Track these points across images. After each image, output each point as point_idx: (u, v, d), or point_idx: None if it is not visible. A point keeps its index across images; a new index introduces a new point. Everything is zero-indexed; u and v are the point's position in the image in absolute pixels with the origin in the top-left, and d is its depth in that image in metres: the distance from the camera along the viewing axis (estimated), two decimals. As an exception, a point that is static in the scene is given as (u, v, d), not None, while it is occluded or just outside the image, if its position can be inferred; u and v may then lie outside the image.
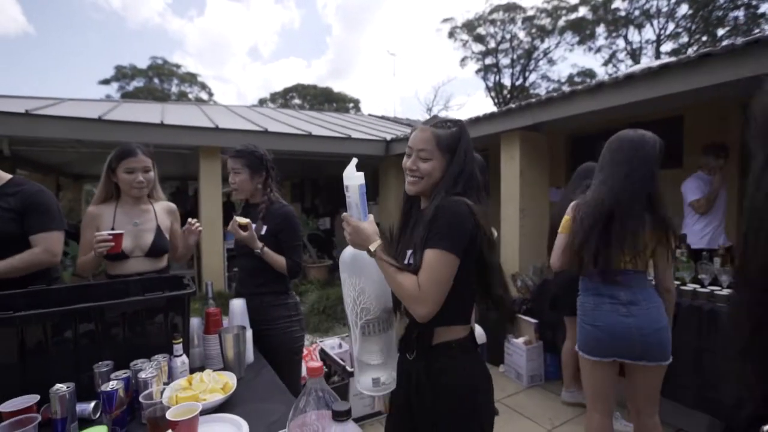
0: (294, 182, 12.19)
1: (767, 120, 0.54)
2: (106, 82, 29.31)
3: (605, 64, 22.17)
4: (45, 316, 1.13)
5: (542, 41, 23.65)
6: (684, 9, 18.82)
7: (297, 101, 32.55)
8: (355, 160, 1.09)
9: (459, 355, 1.12)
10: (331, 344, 2.95)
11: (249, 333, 1.48)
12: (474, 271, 1.11)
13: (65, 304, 1.18)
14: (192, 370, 1.30)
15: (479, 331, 3.00)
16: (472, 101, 55.59)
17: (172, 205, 2.01)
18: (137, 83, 29.56)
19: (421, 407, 1.13)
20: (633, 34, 20.94)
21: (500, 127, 4.30)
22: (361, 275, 1.09)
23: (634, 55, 20.70)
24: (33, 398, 1.00)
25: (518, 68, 24.82)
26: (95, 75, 75.42)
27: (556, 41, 23.27)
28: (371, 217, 1.12)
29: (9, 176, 1.71)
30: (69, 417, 1.00)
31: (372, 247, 1.05)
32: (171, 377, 1.23)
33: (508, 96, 24.79)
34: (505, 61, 24.84)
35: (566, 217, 1.81)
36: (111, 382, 1.05)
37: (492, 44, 24.63)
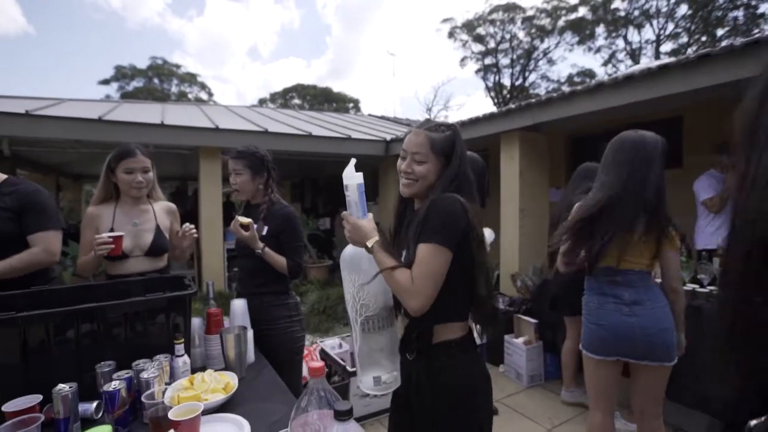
0: (294, 182, 12.20)
1: (747, 128, 0.56)
2: (105, 82, 29.36)
3: (605, 64, 22.21)
4: (47, 316, 1.13)
5: (542, 41, 23.69)
6: (683, 9, 18.86)
7: (297, 101, 32.56)
8: (353, 161, 1.11)
9: (458, 355, 1.13)
10: (331, 344, 2.96)
11: (250, 333, 1.48)
12: (480, 267, 1.12)
13: (67, 305, 1.18)
14: (193, 370, 1.30)
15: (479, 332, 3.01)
16: (471, 101, 55.65)
17: (172, 205, 2.02)
18: (137, 83, 29.62)
19: (420, 407, 1.14)
20: (632, 35, 20.99)
21: (500, 128, 4.31)
22: (360, 272, 1.10)
23: (634, 55, 20.73)
24: (36, 398, 1.01)
25: (518, 68, 24.86)
26: (95, 75, 75.49)
27: (555, 41, 23.31)
28: (370, 215, 1.14)
29: (4, 176, 1.71)
30: (71, 417, 1.00)
31: (369, 243, 1.07)
32: (173, 377, 1.24)
33: (508, 96, 24.80)
34: (504, 61, 24.89)
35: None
36: (113, 382, 1.06)
37: (492, 44, 24.67)
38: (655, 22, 19.84)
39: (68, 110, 5.19)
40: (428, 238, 1.04)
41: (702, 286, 2.34)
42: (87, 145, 4.79)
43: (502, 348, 3.20)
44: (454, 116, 28.21)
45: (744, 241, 0.55)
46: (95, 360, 1.15)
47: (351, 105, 33.11)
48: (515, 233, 4.19)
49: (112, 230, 1.77)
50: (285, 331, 1.80)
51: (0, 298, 1.31)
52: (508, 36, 24.23)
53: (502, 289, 4.25)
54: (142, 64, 32.17)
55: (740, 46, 2.44)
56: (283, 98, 33.28)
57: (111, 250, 1.65)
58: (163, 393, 1.09)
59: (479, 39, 24.75)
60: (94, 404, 1.08)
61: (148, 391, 1.07)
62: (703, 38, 18.45)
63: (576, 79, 22.96)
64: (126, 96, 26.68)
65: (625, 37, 21.15)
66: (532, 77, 24.86)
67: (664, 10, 19.30)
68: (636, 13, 20.13)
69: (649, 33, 24.21)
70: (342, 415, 0.65)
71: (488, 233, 2.50)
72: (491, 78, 25.63)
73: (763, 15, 16.42)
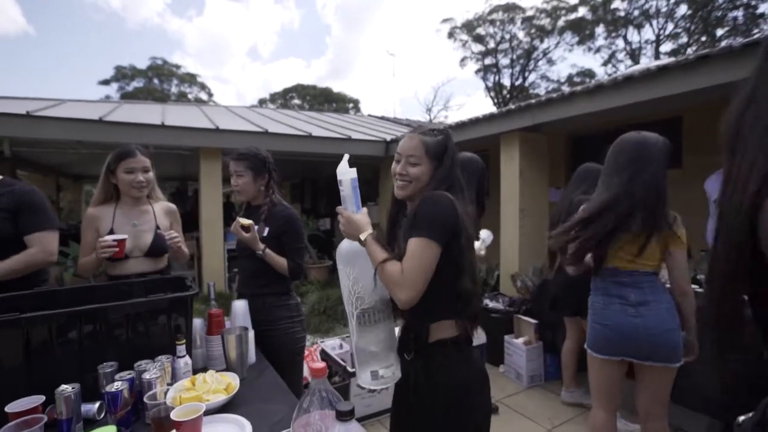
0: (294, 183, 12.21)
1: (731, 132, 0.58)
2: (105, 82, 29.37)
3: (605, 64, 22.22)
4: (50, 317, 1.14)
5: (542, 41, 23.70)
6: (683, 9, 18.87)
7: (296, 101, 32.57)
8: (347, 156, 1.15)
9: (454, 354, 1.14)
10: (332, 345, 2.97)
11: (251, 334, 1.49)
12: (464, 263, 1.13)
13: (69, 306, 1.19)
14: (195, 371, 1.31)
15: (479, 332, 3.01)
16: (471, 101, 55.73)
17: (172, 206, 2.02)
18: (137, 84, 29.62)
19: (419, 407, 1.15)
20: (632, 35, 21.00)
21: (500, 128, 4.32)
22: (355, 265, 1.13)
23: (634, 55, 20.74)
24: (39, 399, 1.01)
25: (518, 68, 24.87)
26: (95, 75, 75.46)
27: (555, 41, 23.33)
28: (364, 209, 1.17)
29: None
30: (74, 417, 1.01)
31: (362, 237, 1.10)
32: (174, 378, 1.24)
33: (508, 96, 24.82)
34: (504, 61, 24.91)
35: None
36: (115, 383, 1.06)
37: (491, 44, 24.68)
38: (654, 22, 19.87)
39: (69, 111, 5.20)
40: (418, 233, 1.06)
41: (701, 286, 2.35)
42: (87, 145, 4.80)
43: (502, 348, 3.21)
44: (453, 116, 28.25)
45: (726, 242, 0.57)
46: (97, 361, 1.15)
47: (351, 105, 33.13)
48: (515, 233, 4.20)
49: (112, 231, 1.78)
50: (286, 332, 1.80)
51: (3, 299, 1.31)
52: (507, 36, 24.27)
53: (502, 289, 4.26)
54: (142, 64, 32.18)
55: (739, 46, 2.44)
56: (283, 98, 33.30)
57: (114, 253, 1.67)
58: (165, 394, 1.09)
59: (479, 39, 24.77)
60: (97, 405, 1.09)
61: (150, 392, 1.07)
62: (703, 38, 18.47)
63: (576, 79, 22.99)
64: (126, 96, 26.68)
65: (624, 37, 21.18)
66: (531, 77, 24.92)
67: (663, 10, 19.33)
68: (636, 13, 20.16)
69: (648, 33, 24.24)
70: (344, 416, 0.66)
71: (486, 234, 2.52)
72: (491, 78, 25.68)
73: (762, 15, 16.44)
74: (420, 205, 1.10)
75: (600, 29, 21.69)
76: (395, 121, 11.07)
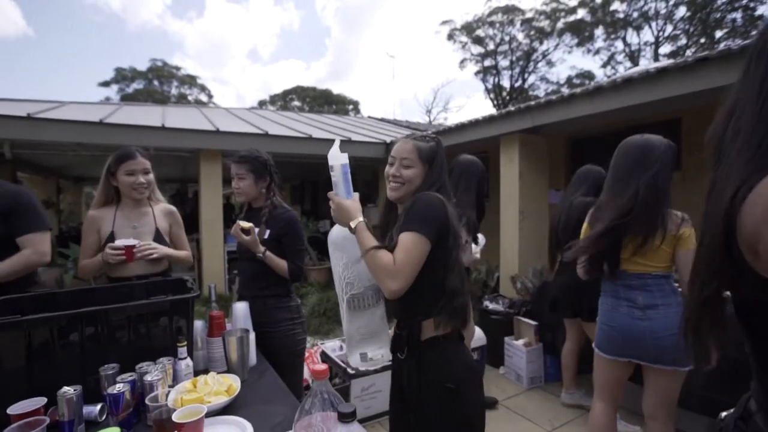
0: (294, 185, 12.22)
1: (715, 144, 0.62)
2: (105, 84, 29.40)
3: (604, 65, 22.26)
4: (52, 319, 1.14)
5: (541, 43, 23.74)
6: (682, 11, 18.91)
7: (296, 103, 32.60)
8: (338, 140, 1.17)
9: (446, 351, 1.18)
10: (332, 346, 2.97)
11: (252, 336, 1.49)
12: (452, 261, 1.16)
13: (70, 308, 1.19)
14: (196, 373, 1.31)
15: (479, 333, 3.02)
16: (471, 103, 55.92)
17: (171, 208, 2.02)
18: (137, 85, 29.65)
19: (413, 404, 1.19)
20: (631, 36, 21.04)
21: (499, 130, 4.33)
22: (346, 251, 1.17)
23: (633, 57, 20.78)
24: (40, 401, 1.01)
25: (517, 70, 24.91)
26: (95, 77, 75.52)
27: (554, 43, 23.37)
28: (356, 195, 1.19)
29: None
30: (76, 419, 1.01)
31: (353, 224, 1.13)
32: (176, 380, 1.25)
33: (507, 98, 24.85)
34: (504, 62, 24.95)
35: (585, 225, 1.84)
36: (117, 385, 1.07)
37: (491, 46, 24.72)
38: (653, 24, 19.92)
39: (69, 113, 5.22)
40: (410, 227, 1.10)
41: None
42: (88, 147, 4.80)
43: (503, 350, 3.21)
44: (453, 118, 28.26)
45: (708, 245, 0.60)
46: (99, 363, 1.15)
47: (351, 107, 33.17)
48: (515, 235, 4.21)
49: (112, 233, 1.78)
50: (286, 334, 1.81)
51: (4, 301, 1.32)
52: (507, 38, 24.31)
53: (502, 291, 4.26)
54: (142, 66, 32.33)
55: (737, 49, 2.45)
56: (282, 100, 33.33)
57: (122, 259, 1.69)
58: (167, 395, 1.10)
59: (478, 41, 24.82)
60: (99, 407, 1.09)
61: (152, 394, 1.08)
62: (702, 40, 18.50)
63: (575, 81, 23.01)
64: (126, 98, 26.71)
65: (624, 39, 21.22)
66: (531, 79, 24.95)
67: (662, 12, 19.37)
68: (635, 15, 20.21)
69: (648, 35, 24.39)
70: (345, 417, 0.66)
71: (480, 237, 2.54)
72: (491, 80, 25.71)
73: (761, 17, 16.47)
74: (413, 203, 1.15)
75: (599, 31, 21.74)
76: (395, 122, 11.09)
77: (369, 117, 13.44)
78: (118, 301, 1.32)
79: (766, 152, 0.53)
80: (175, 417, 0.94)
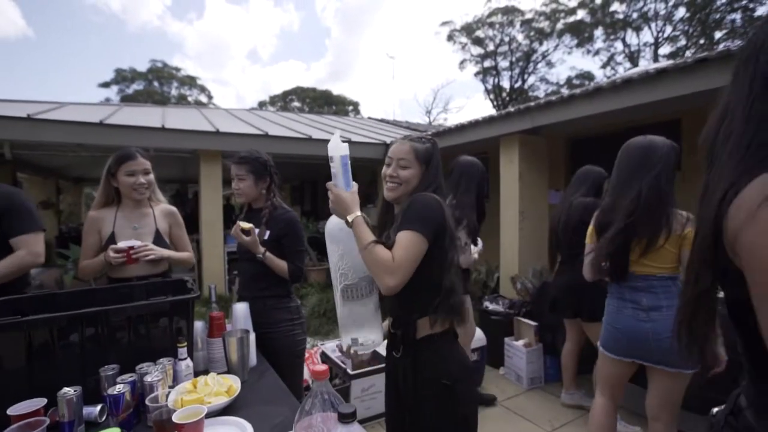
0: (294, 185, 12.22)
1: (706, 149, 0.65)
2: (105, 85, 29.41)
3: (603, 66, 22.28)
4: (52, 320, 1.14)
5: (541, 44, 23.76)
6: (681, 12, 18.93)
7: (296, 104, 32.61)
8: (338, 132, 1.18)
9: (441, 349, 1.20)
10: (332, 347, 2.96)
11: (252, 336, 1.49)
12: (448, 261, 1.19)
13: (70, 309, 1.19)
14: (196, 374, 1.31)
15: (479, 334, 3.02)
16: (471, 103, 55.95)
17: (172, 208, 2.02)
18: (137, 86, 29.65)
19: (409, 402, 1.21)
20: (631, 37, 21.05)
21: (499, 131, 4.33)
22: (340, 243, 1.19)
23: (633, 57, 20.81)
24: (41, 401, 1.01)
25: (517, 71, 24.92)
26: (95, 78, 75.41)
27: (554, 44, 23.39)
28: (355, 187, 1.20)
29: None
30: (76, 420, 1.01)
31: (350, 218, 1.14)
32: (176, 380, 1.25)
33: (507, 98, 24.87)
34: (504, 63, 24.96)
35: (591, 228, 1.85)
36: (117, 386, 1.07)
37: (491, 47, 24.74)
38: (653, 25, 19.94)
39: (69, 114, 5.22)
40: (408, 227, 1.12)
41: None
42: (88, 148, 4.81)
43: (503, 350, 3.21)
44: (453, 119, 28.29)
45: (700, 246, 0.64)
46: (99, 363, 1.15)
47: (351, 108, 33.19)
48: (515, 236, 4.21)
49: (113, 234, 1.79)
50: (286, 334, 1.81)
51: (4, 302, 1.32)
52: (507, 39, 24.33)
53: (502, 291, 4.26)
54: (142, 67, 32.31)
55: (737, 49, 2.45)
56: (282, 101, 33.34)
57: (123, 261, 1.69)
58: (167, 396, 1.10)
59: (478, 42, 24.84)
60: (99, 407, 1.09)
61: (152, 395, 1.08)
62: (701, 41, 18.52)
63: (575, 82, 23.03)
64: (126, 99, 26.72)
65: (623, 40, 21.24)
66: (531, 80, 24.97)
67: (662, 13, 19.39)
68: (634, 15, 20.23)
69: (647, 36, 24.40)
70: (346, 418, 0.66)
71: (478, 241, 2.54)
72: (490, 80, 25.72)
73: (760, 18, 16.47)
74: (411, 203, 1.17)
75: (599, 32, 21.76)
76: (395, 123, 11.10)
77: (369, 118, 13.45)
78: (118, 302, 1.32)
79: (755, 153, 0.55)
80: (175, 418, 0.94)
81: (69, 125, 4.43)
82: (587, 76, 22.99)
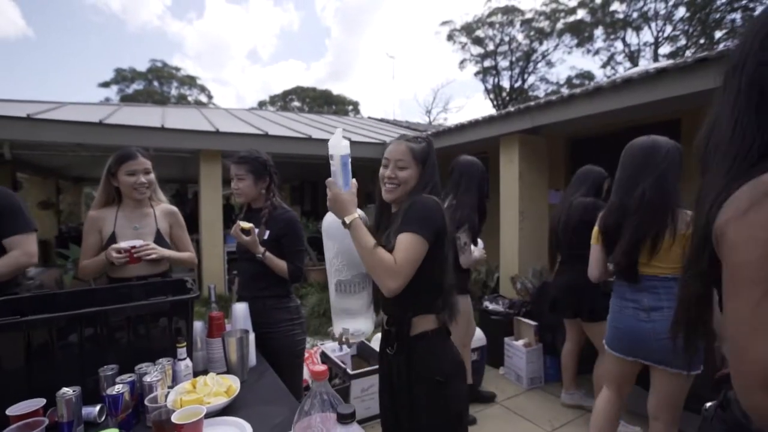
0: (293, 185, 12.22)
1: (699, 157, 0.68)
2: (105, 84, 29.39)
3: (603, 66, 22.26)
4: (51, 320, 1.14)
5: (541, 44, 23.75)
6: (681, 12, 18.92)
7: (296, 104, 32.60)
8: (340, 129, 1.17)
9: (434, 345, 1.22)
10: (332, 347, 2.96)
11: (252, 337, 1.49)
12: (447, 263, 1.23)
13: (70, 309, 1.19)
14: (195, 374, 1.31)
15: (479, 334, 3.01)
16: (471, 103, 55.90)
17: (172, 208, 2.01)
18: (137, 86, 29.63)
19: (403, 399, 1.23)
20: (631, 37, 21.04)
21: (499, 131, 4.33)
22: (336, 240, 1.20)
23: (633, 57, 20.80)
24: (40, 402, 1.01)
25: (517, 70, 24.91)
26: (95, 78, 75.33)
27: (554, 44, 23.37)
28: (354, 185, 1.20)
29: None
30: (75, 420, 1.01)
31: (348, 220, 1.14)
32: (175, 380, 1.25)
33: (507, 98, 24.86)
34: (503, 63, 24.95)
35: (596, 228, 1.85)
36: (116, 386, 1.07)
37: (491, 47, 24.73)
38: (653, 24, 19.92)
39: (69, 114, 5.21)
40: (409, 229, 1.14)
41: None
42: (88, 148, 4.81)
43: (502, 350, 3.20)
44: (453, 118, 28.28)
45: (694, 252, 0.66)
46: (98, 364, 1.15)
47: (350, 107, 33.18)
48: (515, 236, 4.21)
49: (114, 234, 1.78)
50: (286, 334, 1.81)
51: (3, 302, 1.31)
52: (507, 38, 24.32)
53: (502, 291, 4.26)
54: (142, 66, 32.31)
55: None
56: (282, 101, 33.33)
57: (128, 261, 1.70)
58: (166, 396, 1.10)
59: (478, 41, 24.83)
60: (98, 408, 1.09)
61: (151, 395, 1.08)
62: (701, 41, 18.52)
63: (575, 81, 23.02)
64: (126, 99, 26.70)
65: (623, 40, 21.22)
66: (531, 79, 24.96)
67: (662, 12, 19.38)
68: (634, 15, 20.21)
69: (647, 35, 24.39)
70: (345, 419, 0.66)
71: (478, 242, 2.54)
72: (490, 80, 25.71)
73: (760, 17, 16.45)
74: (411, 205, 1.18)
75: (599, 31, 21.74)
76: (395, 123, 11.09)
77: (369, 117, 13.44)
78: (118, 301, 1.32)
79: (740, 164, 0.59)
80: (175, 418, 0.93)
81: (68, 125, 4.43)
82: (587, 75, 22.99)
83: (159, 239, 1.87)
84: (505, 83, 25.34)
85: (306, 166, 7.17)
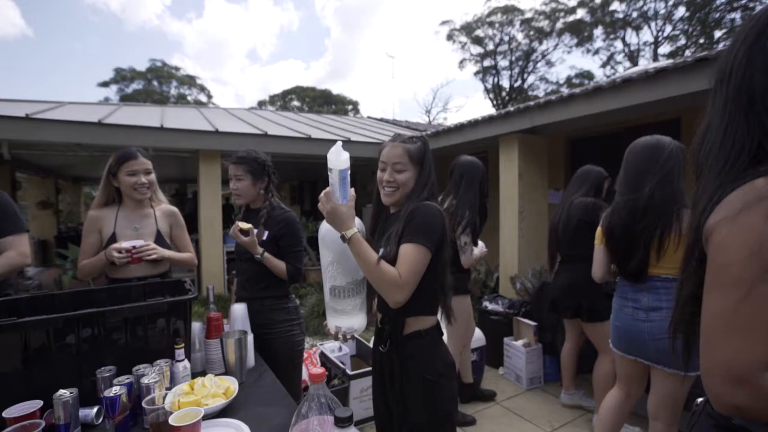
0: (293, 185, 12.21)
1: (693, 162, 0.69)
2: (105, 84, 29.37)
3: (603, 65, 22.28)
4: (48, 322, 1.14)
5: (540, 43, 23.75)
6: (681, 11, 18.92)
7: (296, 103, 32.58)
8: (340, 143, 1.15)
9: (427, 344, 1.23)
10: (331, 347, 2.96)
11: (250, 337, 1.49)
12: (444, 267, 1.26)
13: (68, 310, 1.19)
14: (193, 375, 1.30)
15: (478, 334, 3.01)
16: (470, 103, 55.97)
17: (173, 209, 2.01)
18: (136, 85, 29.60)
19: (394, 395, 1.25)
20: (631, 36, 21.05)
21: (499, 130, 4.32)
22: (332, 249, 1.20)
23: (632, 57, 20.80)
24: (36, 404, 1.01)
25: (516, 70, 24.91)
26: (94, 77, 75.35)
27: (554, 43, 23.38)
28: (352, 194, 1.18)
29: None
30: (72, 422, 1.00)
31: (348, 234, 1.14)
32: (173, 382, 1.24)
33: (507, 98, 24.86)
34: (503, 63, 24.96)
35: (600, 229, 1.86)
36: (114, 388, 1.06)
37: (490, 46, 24.73)
38: (653, 24, 19.92)
39: (68, 113, 5.20)
40: (413, 239, 1.15)
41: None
42: (86, 148, 4.79)
43: (502, 350, 3.20)
44: (452, 118, 28.28)
45: (687, 255, 0.69)
46: (96, 365, 1.15)
47: (350, 107, 33.16)
48: (514, 235, 4.20)
49: (114, 234, 1.78)
50: (285, 335, 1.80)
51: (1, 303, 1.31)
52: (506, 38, 24.32)
53: (502, 291, 4.26)
54: (142, 66, 32.31)
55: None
56: (282, 100, 33.30)
57: (130, 260, 1.70)
58: (164, 398, 1.09)
59: (478, 41, 24.82)
60: (95, 409, 1.09)
61: (149, 397, 1.07)
62: (701, 40, 18.51)
63: (574, 81, 23.02)
64: (125, 98, 26.68)
65: (623, 39, 21.22)
66: (530, 79, 24.96)
67: (661, 12, 19.38)
68: (634, 15, 20.21)
69: (647, 35, 24.39)
70: (342, 422, 0.65)
71: (481, 245, 2.54)
72: (490, 80, 25.71)
73: (760, 17, 16.44)
74: (413, 214, 1.18)
75: (598, 31, 21.75)
76: (394, 122, 11.08)
77: (368, 117, 13.42)
78: (116, 302, 1.31)
79: (731, 169, 0.61)
80: (172, 420, 0.93)
81: (67, 125, 4.41)
82: (587, 75, 22.99)
83: (159, 240, 1.86)
84: (505, 83, 25.36)
85: (306, 166, 7.16)
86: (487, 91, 26.15)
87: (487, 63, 25.25)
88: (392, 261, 1.16)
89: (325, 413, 0.73)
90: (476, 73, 25.95)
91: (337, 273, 1.21)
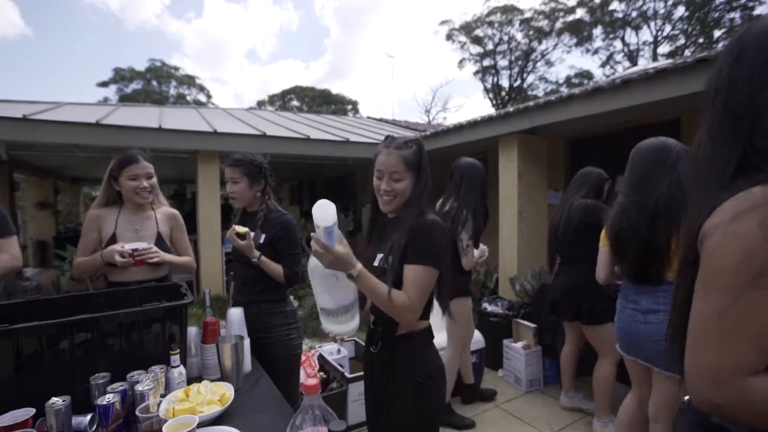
0: (292, 185, 12.20)
1: (691, 166, 0.72)
2: (104, 84, 29.32)
3: (603, 65, 22.28)
4: (41, 328, 1.12)
5: (540, 43, 23.73)
6: (681, 11, 18.91)
7: (295, 103, 32.55)
8: (326, 201, 1.07)
9: (417, 346, 1.25)
10: (329, 350, 2.94)
11: (247, 342, 1.47)
12: (447, 275, 1.26)
13: (63, 314, 1.17)
14: (189, 380, 1.29)
15: (477, 336, 3.00)
16: (470, 103, 55.96)
17: (174, 211, 2.00)
18: (135, 85, 29.54)
19: (382, 394, 1.26)
20: (630, 36, 21.04)
21: (498, 131, 4.31)
22: (323, 283, 1.19)
23: (632, 56, 20.80)
24: (29, 412, 0.99)
25: (516, 70, 24.91)
26: (93, 77, 75.23)
27: (553, 43, 23.37)
28: (339, 235, 1.11)
29: None
30: (65, 431, 0.99)
31: (354, 272, 1.12)
32: (168, 388, 1.23)
33: (506, 97, 24.85)
34: (503, 62, 24.95)
35: (604, 230, 1.85)
36: (107, 395, 1.04)
37: (490, 46, 24.71)
38: (652, 23, 19.92)
39: (66, 114, 5.18)
40: (419, 261, 1.16)
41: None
42: (84, 149, 4.78)
43: (501, 352, 3.19)
44: (452, 118, 28.28)
45: (682, 261, 0.69)
46: (89, 372, 1.13)
47: (349, 107, 33.13)
48: (514, 236, 4.19)
49: (114, 236, 1.77)
50: (282, 339, 1.79)
51: (-6, 308, 1.29)
52: (506, 38, 24.31)
53: (501, 292, 4.24)
54: (141, 66, 32.24)
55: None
56: (281, 100, 33.27)
57: (131, 263, 1.70)
58: (158, 406, 1.08)
59: (477, 41, 24.81)
60: (88, 417, 1.07)
61: (143, 404, 1.05)
62: (701, 40, 18.51)
63: (574, 81, 23.01)
64: (124, 98, 26.65)
65: (622, 39, 21.22)
66: (530, 79, 24.95)
67: (661, 12, 19.38)
68: (633, 14, 20.20)
69: (646, 35, 24.38)
70: (337, 434, 0.64)
71: (482, 248, 2.53)
72: (489, 79, 25.70)
73: (759, 17, 16.44)
74: (417, 234, 1.18)
75: (598, 31, 21.74)
76: (394, 123, 11.06)
77: (368, 117, 13.41)
78: (112, 306, 1.30)
79: (720, 179, 0.63)
80: (166, 429, 0.92)
81: (64, 125, 4.40)
82: (586, 75, 22.98)
83: (160, 242, 1.85)
84: (504, 82, 25.36)
85: (305, 166, 7.15)
86: (486, 90, 26.15)
87: (486, 63, 25.26)
88: (394, 274, 1.18)
89: (319, 424, 0.71)
90: (476, 73, 25.96)
91: (330, 302, 1.20)
